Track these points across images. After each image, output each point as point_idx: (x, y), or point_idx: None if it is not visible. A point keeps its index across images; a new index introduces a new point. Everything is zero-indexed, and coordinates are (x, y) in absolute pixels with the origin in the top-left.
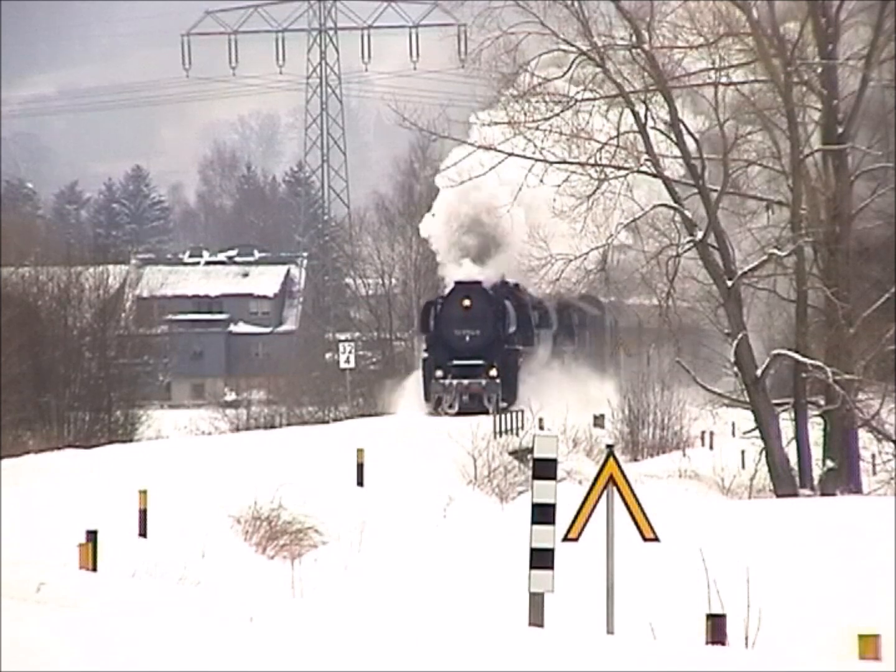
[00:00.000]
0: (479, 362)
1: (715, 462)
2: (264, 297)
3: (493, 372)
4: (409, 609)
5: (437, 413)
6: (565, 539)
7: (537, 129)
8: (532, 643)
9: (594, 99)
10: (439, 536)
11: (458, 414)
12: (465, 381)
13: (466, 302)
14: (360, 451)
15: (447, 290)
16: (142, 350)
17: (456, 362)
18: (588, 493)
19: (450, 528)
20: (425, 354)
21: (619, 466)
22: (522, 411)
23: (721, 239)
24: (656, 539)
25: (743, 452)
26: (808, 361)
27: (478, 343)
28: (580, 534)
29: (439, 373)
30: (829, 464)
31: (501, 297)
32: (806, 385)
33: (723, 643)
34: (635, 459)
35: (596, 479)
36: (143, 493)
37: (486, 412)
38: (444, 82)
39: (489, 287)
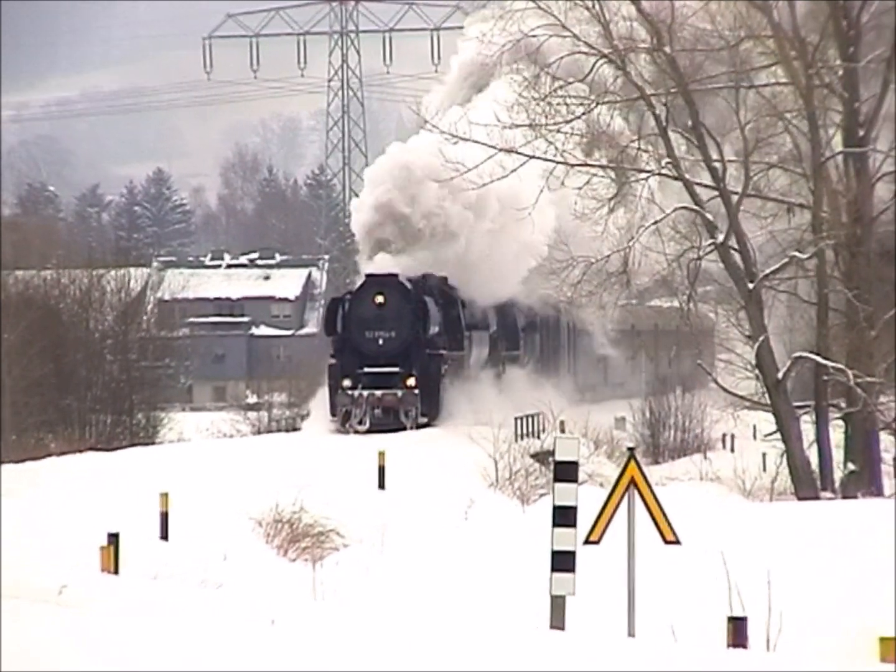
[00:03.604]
0: (395, 370)
1: (736, 465)
2: (286, 299)
3: (411, 381)
4: (430, 611)
5: (344, 430)
6: (586, 542)
7: (558, 131)
8: (553, 646)
9: (615, 102)
10: (460, 539)
11: (370, 431)
12: (378, 393)
13: (379, 298)
14: (381, 454)
15: (358, 285)
16: (163, 353)
17: (367, 370)
18: (609, 496)
19: (471, 530)
20: (332, 361)
21: (641, 469)
22: (542, 414)
23: (742, 241)
24: (677, 542)
25: (764, 455)
26: (830, 364)
27: (393, 347)
28: (601, 536)
29: (347, 382)
30: (851, 466)
31: (422, 292)
32: (827, 388)
33: (744, 646)
34: (656, 462)
35: (617, 482)
36: (165, 495)
37: (403, 428)
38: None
39: (408, 281)
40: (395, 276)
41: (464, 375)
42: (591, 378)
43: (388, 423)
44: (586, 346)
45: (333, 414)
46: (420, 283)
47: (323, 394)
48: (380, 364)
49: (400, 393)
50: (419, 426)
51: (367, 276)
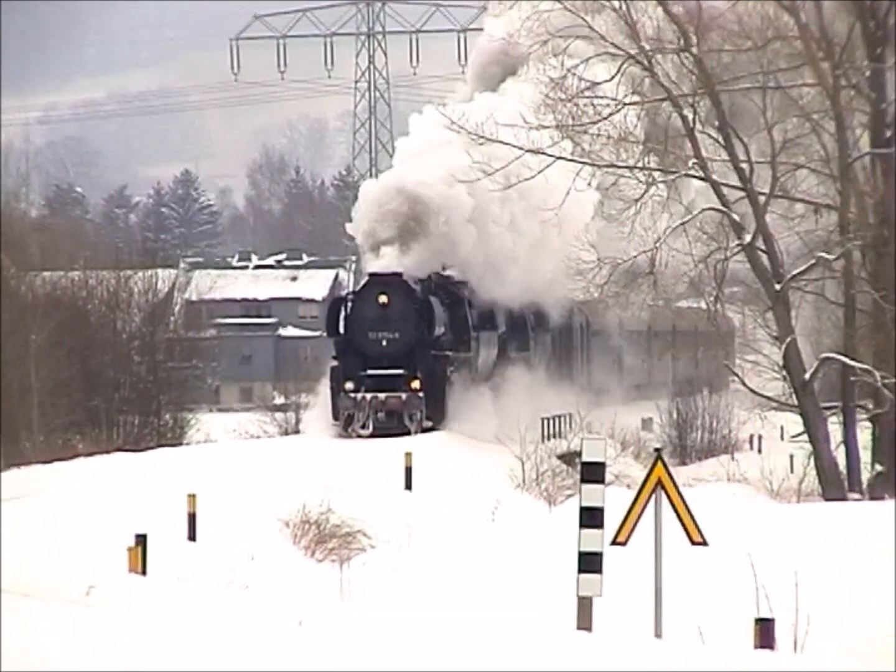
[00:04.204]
0: (399, 372)
1: (763, 466)
2: (313, 300)
3: (416, 384)
4: (457, 612)
5: (347, 434)
6: (613, 543)
7: (585, 132)
8: (580, 647)
9: (642, 102)
10: (487, 540)
11: (374, 435)
12: (381, 396)
13: (383, 298)
14: (408, 455)
15: (360, 284)
16: (190, 354)
17: (370, 372)
18: (636, 497)
19: (498, 531)
20: (334, 363)
21: (668, 470)
22: (570, 415)
23: (769, 242)
24: (704, 543)
25: (791, 456)
26: (857, 365)
27: (397, 348)
28: (628, 537)
29: (350, 385)
30: (878, 468)
31: (427, 292)
32: (854, 389)
33: (771, 647)
34: (683, 463)
35: (644, 483)
36: (192, 496)
37: (408, 432)
38: None
39: (412, 280)
40: (398, 275)
41: (471, 377)
42: (606, 380)
43: (391, 426)
44: (601, 347)
45: (336, 418)
46: (425, 282)
47: (325, 396)
48: (383, 366)
49: (404, 396)
50: (424, 430)
51: (370, 275)
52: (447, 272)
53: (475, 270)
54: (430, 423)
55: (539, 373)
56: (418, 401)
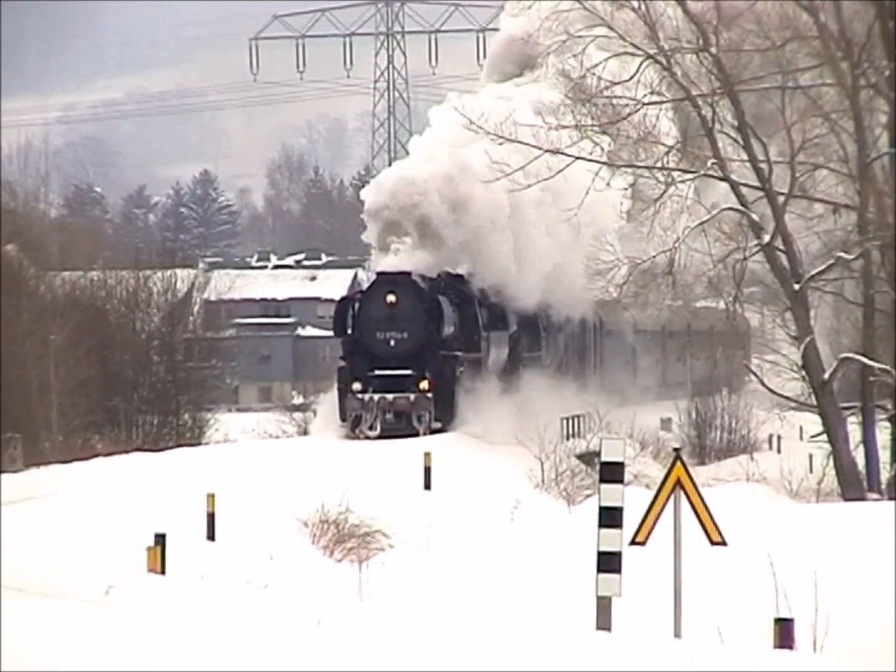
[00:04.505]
0: (407, 372)
1: (782, 466)
2: (331, 300)
3: (425, 384)
4: (476, 612)
5: (354, 435)
6: (633, 542)
7: (604, 132)
8: (599, 647)
9: (661, 102)
10: (506, 540)
11: (381, 437)
12: (389, 396)
13: (391, 298)
14: (427, 455)
15: (368, 283)
16: (209, 353)
17: (378, 372)
18: (655, 497)
19: (517, 531)
20: (341, 363)
21: (687, 470)
22: (588, 414)
23: (788, 242)
24: (723, 543)
25: (811, 456)
26: (876, 365)
27: (405, 348)
28: (647, 537)
29: (357, 385)
30: None
31: (436, 291)
32: (873, 389)
33: (790, 647)
34: (702, 463)
35: (663, 483)
36: (211, 496)
37: (416, 434)
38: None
39: (421, 279)
40: (407, 274)
41: (481, 378)
42: (620, 380)
43: (399, 428)
44: (614, 347)
45: (343, 419)
46: (434, 281)
47: (332, 397)
48: (391, 366)
49: (413, 397)
50: (432, 431)
51: (378, 274)
52: (458, 271)
53: (487, 269)
54: (438, 425)
55: (551, 373)
56: (427, 402)
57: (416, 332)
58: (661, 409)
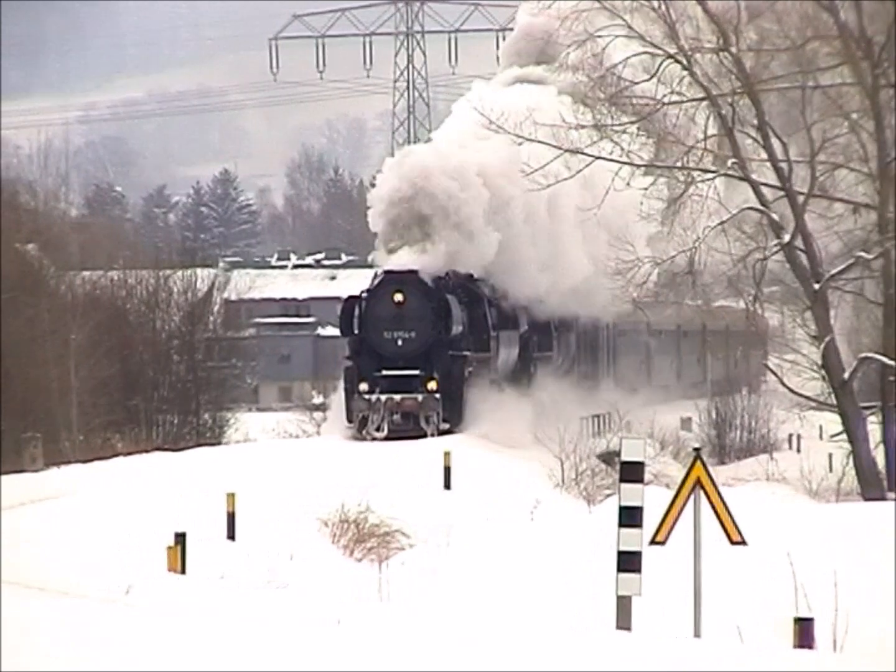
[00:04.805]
0: (415, 372)
1: (802, 465)
2: None
3: (433, 385)
4: (496, 612)
5: (361, 437)
6: (652, 542)
7: (624, 132)
8: (619, 646)
9: (681, 102)
10: (526, 539)
11: (389, 438)
12: (397, 397)
13: (398, 297)
14: (447, 455)
15: (375, 282)
16: (230, 353)
17: (385, 373)
18: (675, 497)
19: (537, 530)
20: (348, 363)
21: (707, 469)
22: (609, 414)
23: (808, 242)
24: (743, 542)
25: (830, 456)
26: None
27: (413, 348)
28: (667, 537)
29: (364, 386)
30: None
31: (444, 290)
32: (894, 388)
33: (810, 647)
34: (722, 462)
35: (683, 483)
36: (231, 495)
37: (424, 435)
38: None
39: (429, 278)
40: (414, 272)
41: (490, 378)
42: (633, 381)
43: (407, 429)
44: (628, 347)
45: (350, 420)
46: (442, 280)
47: (339, 397)
48: (399, 366)
49: (420, 397)
50: (441, 432)
51: (385, 272)
52: (466, 270)
53: (496, 268)
54: (447, 426)
55: (563, 373)
56: (435, 402)
57: (423, 332)
58: (680, 408)
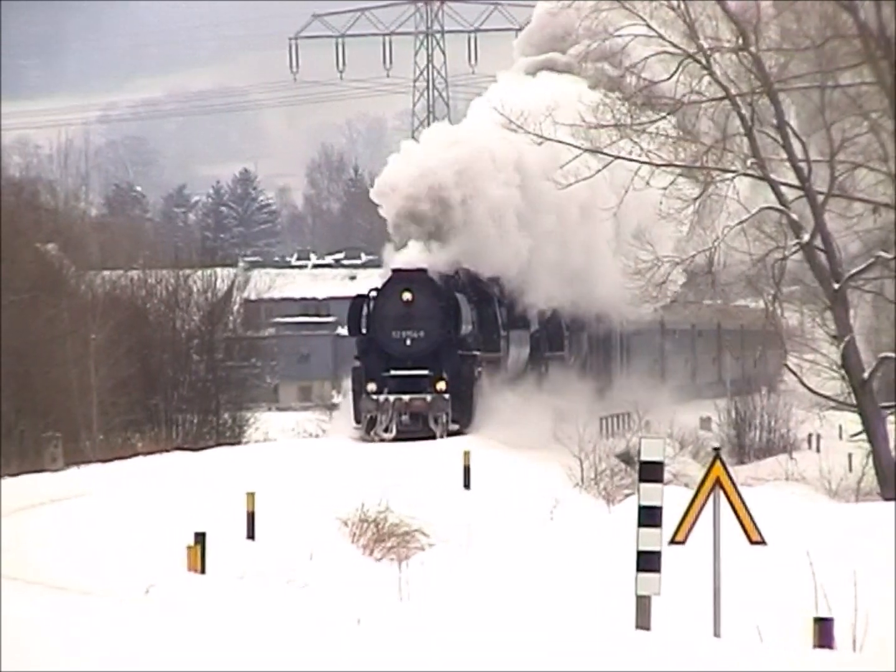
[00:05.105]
0: (424, 373)
1: (822, 465)
2: None
3: (442, 385)
4: (515, 612)
5: (369, 438)
6: (672, 542)
7: (644, 131)
8: (639, 646)
9: (700, 101)
10: (546, 539)
11: (397, 439)
12: (406, 397)
13: (407, 295)
14: (466, 454)
15: (383, 281)
16: (249, 353)
17: (394, 373)
18: (695, 496)
19: (556, 530)
20: (356, 363)
21: (726, 469)
22: (629, 414)
23: (828, 241)
24: (763, 542)
25: (850, 455)
26: None
27: (421, 348)
28: (687, 536)
29: (372, 386)
30: None
31: (453, 288)
32: None
33: (830, 647)
34: (742, 462)
35: (702, 482)
36: (251, 495)
37: (432, 436)
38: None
39: (438, 276)
40: (423, 270)
41: (500, 378)
42: (647, 381)
43: (416, 430)
44: (642, 346)
45: (358, 420)
46: (451, 278)
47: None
48: (407, 366)
49: (429, 397)
50: (450, 433)
51: (394, 270)
52: (477, 268)
53: (507, 266)
54: (456, 427)
55: (574, 373)
56: (444, 403)
57: (432, 331)
58: (698, 408)
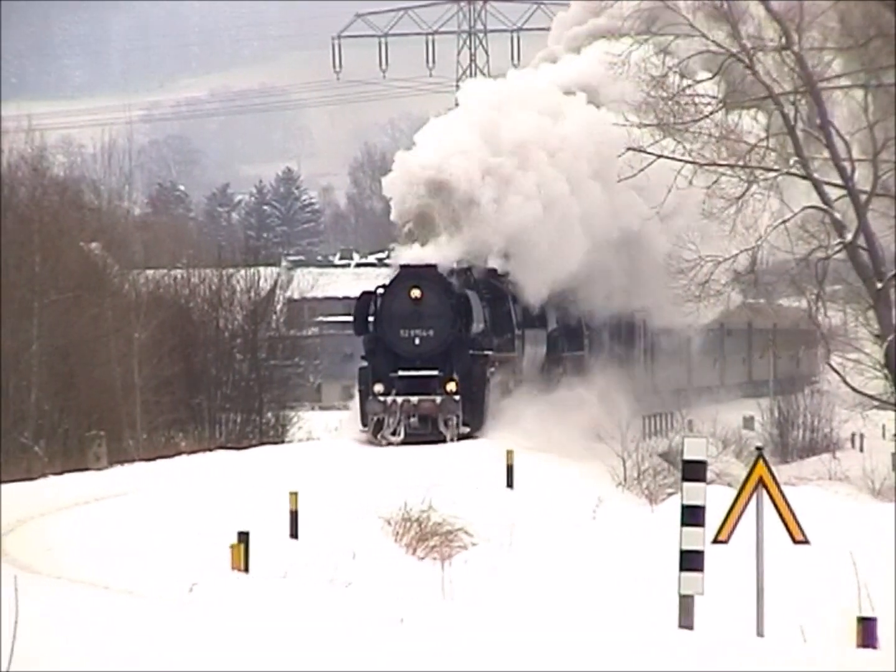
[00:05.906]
0: (433, 373)
1: (865, 464)
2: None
3: (452, 386)
4: (558, 611)
5: (376, 441)
6: (715, 541)
7: (687, 130)
8: (682, 645)
9: (743, 101)
10: (589, 538)
11: (406, 442)
12: (414, 399)
13: (416, 293)
14: (509, 453)
15: (391, 277)
16: (293, 352)
17: (402, 373)
18: (738, 496)
19: (599, 529)
20: (363, 363)
21: (769, 468)
22: (672, 413)
23: (871, 241)
24: (806, 541)
25: (893, 455)
26: None
27: (431, 347)
28: (730, 536)
29: (379, 387)
30: None
31: (465, 285)
32: None
33: (873, 646)
34: (785, 462)
35: (746, 482)
36: (294, 494)
37: (442, 439)
38: None
39: (448, 273)
40: (433, 267)
41: (514, 379)
42: (673, 382)
43: (425, 433)
44: (666, 346)
45: (364, 423)
46: (462, 275)
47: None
48: (416, 367)
49: (439, 399)
50: (461, 437)
51: (402, 267)
52: (490, 265)
53: (523, 262)
54: (467, 430)
55: (594, 375)
56: (454, 405)
57: (442, 330)
58: (742, 407)
